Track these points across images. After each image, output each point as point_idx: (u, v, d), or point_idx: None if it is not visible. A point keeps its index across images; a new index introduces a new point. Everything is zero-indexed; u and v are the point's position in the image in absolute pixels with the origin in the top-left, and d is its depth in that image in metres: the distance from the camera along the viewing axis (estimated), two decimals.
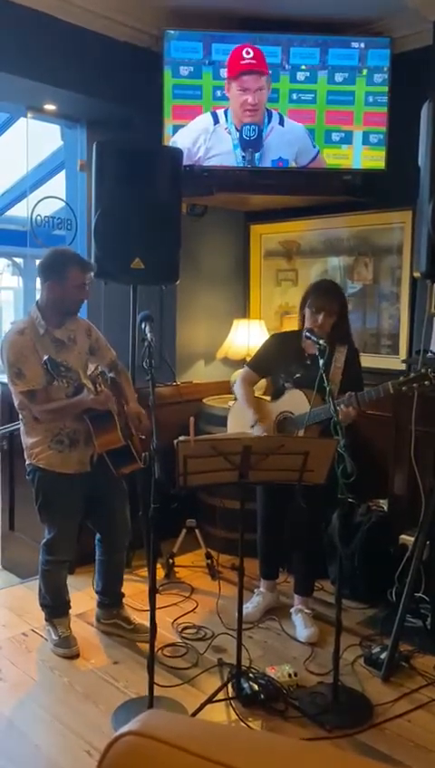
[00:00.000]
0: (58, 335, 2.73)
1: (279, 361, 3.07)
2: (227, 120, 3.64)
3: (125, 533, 2.97)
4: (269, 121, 3.65)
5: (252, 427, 2.96)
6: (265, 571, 3.21)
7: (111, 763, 0.74)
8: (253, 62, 3.58)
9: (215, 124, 3.65)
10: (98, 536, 2.98)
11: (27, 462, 2.78)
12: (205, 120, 3.66)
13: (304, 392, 2.89)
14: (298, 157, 3.69)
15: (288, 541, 3.25)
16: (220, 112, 3.65)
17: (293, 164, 3.69)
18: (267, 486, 3.01)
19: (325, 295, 2.95)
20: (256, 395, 3.22)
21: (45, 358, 2.46)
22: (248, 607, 3.08)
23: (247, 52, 3.57)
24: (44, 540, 2.85)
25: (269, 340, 3.24)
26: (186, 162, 3.54)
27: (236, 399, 3.25)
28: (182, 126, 3.66)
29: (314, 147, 3.69)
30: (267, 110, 3.64)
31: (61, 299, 2.69)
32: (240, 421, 3.07)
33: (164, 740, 0.73)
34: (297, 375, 2.98)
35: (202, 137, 3.66)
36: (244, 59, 3.58)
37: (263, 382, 3.45)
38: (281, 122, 3.65)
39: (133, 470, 2.83)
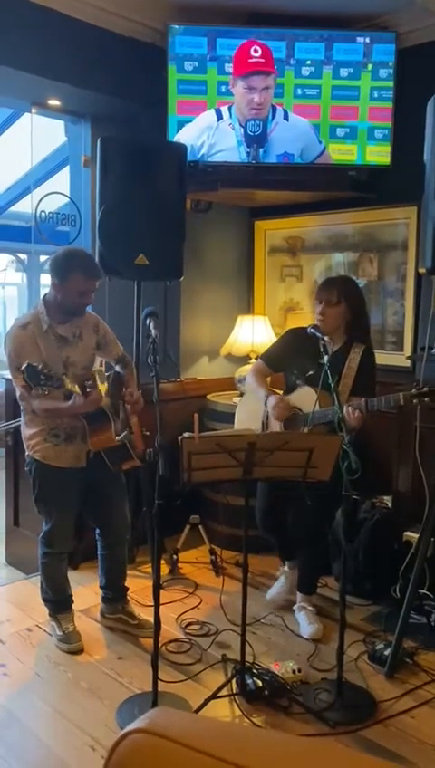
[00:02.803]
0: (61, 332, 2.72)
1: (294, 358, 3.04)
2: (231, 115, 3.63)
3: (123, 527, 2.98)
4: (274, 117, 3.62)
5: (265, 401, 2.94)
6: (283, 555, 3.25)
7: (118, 760, 0.75)
8: (261, 60, 3.55)
9: (218, 120, 3.63)
10: (97, 530, 2.99)
11: (26, 453, 2.81)
12: (208, 116, 3.65)
13: (317, 391, 2.87)
14: (303, 152, 3.67)
15: (292, 538, 3.25)
16: (224, 108, 3.63)
17: (298, 159, 3.67)
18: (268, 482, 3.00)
19: (325, 286, 2.95)
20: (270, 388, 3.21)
21: (24, 365, 2.39)
22: (273, 591, 3.17)
23: (256, 51, 3.53)
24: (42, 532, 2.87)
25: (286, 335, 3.19)
26: (190, 159, 3.53)
27: (240, 396, 3.23)
28: (187, 121, 3.65)
29: (320, 142, 3.67)
30: (272, 105, 3.62)
31: (63, 300, 2.68)
32: (249, 414, 3.06)
33: (172, 738, 0.73)
34: (310, 373, 2.94)
35: (206, 133, 3.64)
36: (252, 57, 3.55)
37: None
38: (286, 117, 3.63)
39: (132, 467, 2.83)
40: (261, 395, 2.99)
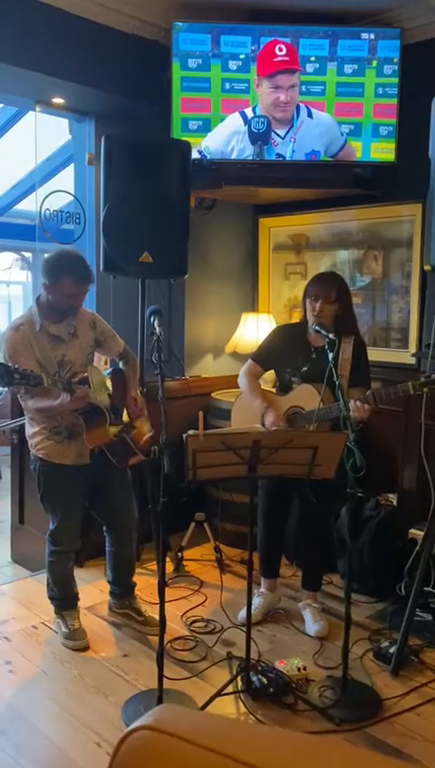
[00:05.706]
0: (54, 331, 2.72)
1: (284, 354, 3.02)
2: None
3: (130, 524, 2.99)
4: (298, 115, 3.61)
5: (262, 414, 2.91)
6: (266, 569, 3.12)
7: (123, 757, 0.75)
8: (286, 59, 3.54)
9: (245, 124, 3.62)
10: (104, 527, 3.00)
11: (31, 452, 2.82)
12: (235, 120, 3.63)
13: (316, 387, 2.86)
14: (329, 147, 3.67)
15: (297, 535, 3.25)
16: (248, 110, 3.61)
17: (324, 156, 3.66)
18: (271, 481, 2.99)
19: (322, 283, 2.94)
20: (262, 389, 3.19)
21: None
22: (243, 613, 3.05)
23: (280, 49, 3.52)
24: (49, 531, 2.88)
25: (274, 332, 3.19)
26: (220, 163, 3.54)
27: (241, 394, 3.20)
28: (191, 118, 3.65)
29: (342, 135, 3.65)
30: (296, 103, 3.61)
31: (54, 301, 2.68)
32: (245, 415, 3.04)
33: (177, 735, 0.73)
34: (304, 369, 2.95)
35: (235, 138, 3.63)
36: (277, 56, 3.53)
37: (271, 375, 3.42)
38: (309, 114, 3.62)
39: (137, 462, 2.84)
40: (257, 406, 2.95)
